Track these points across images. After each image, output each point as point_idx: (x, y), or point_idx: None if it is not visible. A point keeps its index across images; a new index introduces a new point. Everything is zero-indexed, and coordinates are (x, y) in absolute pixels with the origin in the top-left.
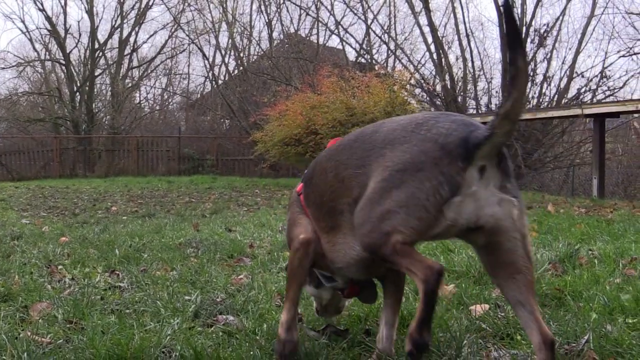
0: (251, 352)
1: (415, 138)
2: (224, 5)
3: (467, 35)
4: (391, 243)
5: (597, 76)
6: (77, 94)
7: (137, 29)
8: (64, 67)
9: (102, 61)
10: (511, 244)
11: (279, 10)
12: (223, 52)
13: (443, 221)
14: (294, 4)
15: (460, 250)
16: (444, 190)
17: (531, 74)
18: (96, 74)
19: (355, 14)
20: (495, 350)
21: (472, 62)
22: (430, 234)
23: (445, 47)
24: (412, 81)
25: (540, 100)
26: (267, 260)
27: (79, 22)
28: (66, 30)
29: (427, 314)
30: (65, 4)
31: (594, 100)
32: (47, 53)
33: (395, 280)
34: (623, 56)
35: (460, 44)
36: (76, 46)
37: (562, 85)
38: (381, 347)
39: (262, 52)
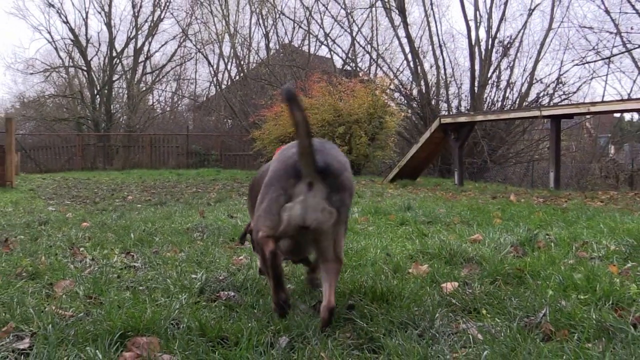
0: (249, 324)
1: (276, 161)
2: (227, 19)
3: (440, 46)
4: (259, 236)
5: (554, 82)
6: (97, 96)
7: (150, 39)
8: (85, 73)
9: (119, 68)
10: (327, 243)
11: (275, 23)
12: (226, 60)
13: (283, 221)
14: (288, 18)
15: (433, 235)
16: (282, 198)
17: (496, 80)
18: (114, 79)
19: (342, 27)
20: (463, 322)
21: (445, 69)
22: (280, 230)
23: (421, 56)
24: (392, 86)
25: (504, 103)
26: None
27: (98, 33)
28: (87, 40)
29: (273, 280)
30: (87, 17)
31: (551, 103)
32: (70, 60)
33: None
34: (577, 64)
35: (434, 54)
36: (96, 54)
37: (523, 90)
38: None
39: (260, 60)
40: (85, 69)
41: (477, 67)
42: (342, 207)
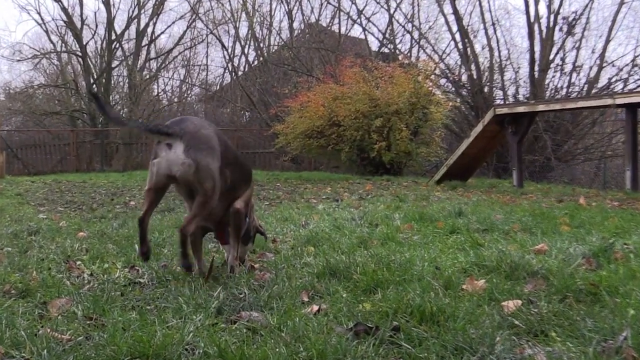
0: (277, 349)
1: None
2: None
3: (493, 24)
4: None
5: (628, 65)
6: (94, 86)
7: (154, 19)
8: (80, 59)
9: (119, 53)
10: (195, 189)
11: None
12: (242, 42)
13: (153, 173)
14: None
15: (489, 245)
16: (152, 156)
17: (560, 63)
18: (113, 65)
19: (378, 3)
20: (529, 347)
21: (499, 51)
22: (156, 183)
23: (471, 36)
24: (437, 71)
25: (570, 90)
26: (291, 255)
27: (95, 12)
28: (82, 22)
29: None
30: None
31: (626, 89)
32: (63, 45)
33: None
34: None
35: (486, 33)
36: (93, 37)
37: (592, 75)
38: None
39: (282, 43)
40: (80, 54)
41: (537, 48)
42: (198, 158)
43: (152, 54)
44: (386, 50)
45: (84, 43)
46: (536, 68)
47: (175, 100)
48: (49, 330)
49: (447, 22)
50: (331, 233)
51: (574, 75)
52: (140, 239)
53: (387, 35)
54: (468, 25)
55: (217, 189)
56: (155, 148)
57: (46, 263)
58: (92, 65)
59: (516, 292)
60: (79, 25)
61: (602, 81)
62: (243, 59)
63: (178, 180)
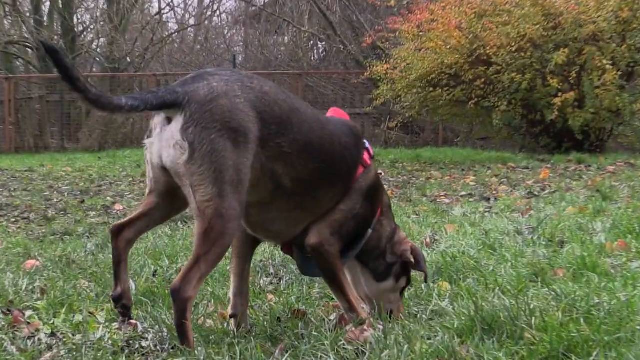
0: None
1: None
2: None
3: None
4: None
5: None
6: (47, 1)
7: None
8: None
9: None
10: (186, 190)
11: None
12: None
13: (148, 165)
14: None
15: None
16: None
17: None
18: None
19: None
20: None
21: None
22: (154, 180)
23: None
24: None
25: None
26: (409, 297)
27: None
28: None
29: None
30: None
31: None
32: None
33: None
34: None
35: None
36: None
37: None
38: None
39: None
40: None
41: None
42: (200, 143)
43: None
44: None
45: None
46: None
47: (191, 21)
48: None
49: None
50: (480, 257)
51: None
52: (114, 270)
53: None
54: None
55: (229, 204)
56: (151, 123)
57: None
58: None
59: None
60: None
61: None
62: None
63: (171, 175)
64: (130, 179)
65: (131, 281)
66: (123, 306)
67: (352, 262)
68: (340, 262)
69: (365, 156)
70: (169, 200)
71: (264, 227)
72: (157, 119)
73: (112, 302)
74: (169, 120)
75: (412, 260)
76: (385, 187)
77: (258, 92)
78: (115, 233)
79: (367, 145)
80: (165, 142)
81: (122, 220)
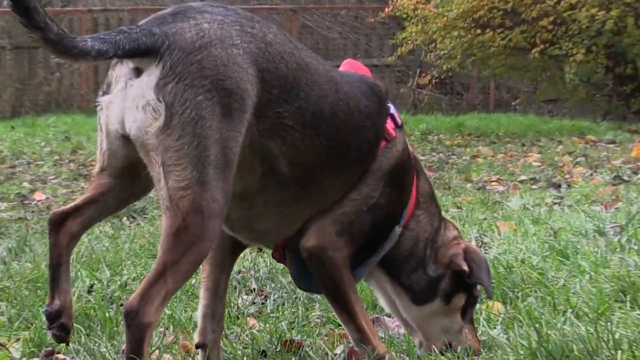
0: None
1: None
2: None
3: None
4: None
5: None
6: None
7: None
8: None
9: None
10: (154, 170)
11: None
12: None
13: (102, 131)
14: None
15: None
16: (100, 91)
17: None
18: None
19: None
20: None
21: None
22: (109, 151)
23: None
24: None
25: None
26: None
27: None
28: None
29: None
30: None
31: None
32: None
33: None
34: None
35: None
36: None
37: None
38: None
39: None
40: None
41: None
42: (181, 105)
43: None
44: None
45: None
46: None
47: None
48: None
49: None
50: (546, 267)
51: None
52: (50, 275)
53: None
54: None
55: (211, 194)
56: (109, 75)
57: None
58: None
59: None
60: None
61: None
62: None
63: (135, 148)
64: (56, 157)
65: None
66: (61, 326)
67: (380, 275)
68: (348, 275)
69: (389, 125)
70: (128, 182)
71: (247, 225)
72: (120, 69)
73: (45, 320)
74: (138, 71)
75: (465, 268)
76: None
77: (261, 42)
78: (56, 224)
79: (392, 110)
80: (131, 101)
81: (65, 207)
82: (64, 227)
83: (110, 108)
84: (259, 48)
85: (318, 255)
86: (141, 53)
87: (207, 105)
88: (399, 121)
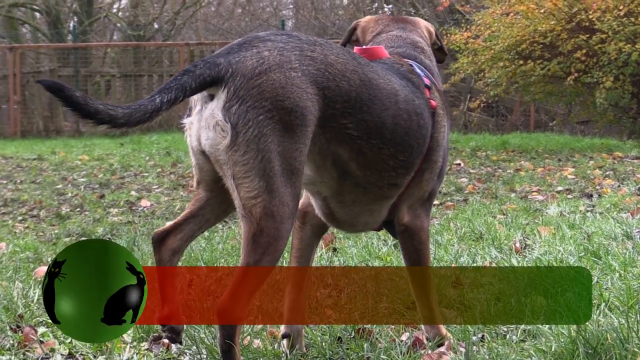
0: None
1: None
2: None
3: None
4: None
5: None
6: None
7: None
8: None
9: None
10: (228, 182)
11: None
12: None
13: (190, 149)
14: None
15: None
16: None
17: None
18: None
19: None
20: None
21: None
22: (198, 167)
23: None
24: None
25: None
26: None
27: None
28: None
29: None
30: None
31: None
32: None
33: None
34: None
35: None
36: None
37: None
38: None
39: None
40: None
41: None
42: (244, 125)
43: None
44: None
45: None
46: None
47: None
48: None
49: None
50: (582, 267)
51: None
52: (160, 288)
53: None
54: None
55: (280, 200)
56: (190, 100)
57: None
58: None
59: None
60: None
61: None
62: None
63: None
64: (159, 170)
65: None
66: (172, 329)
67: None
68: (429, 251)
69: (427, 95)
70: (222, 195)
71: (349, 222)
72: (198, 95)
73: (158, 322)
74: (211, 96)
75: None
76: (466, 180)
77: (321, 64)
78: (158, 242)
79: (422, 76)
80: (204, 122)
81: (166, 226)
82: (165, 244)
83: (191, 128)
84: (318, 69)
85: (411, 230)
86: (207, 85)
87: (268, 123)
88: (427, 81)
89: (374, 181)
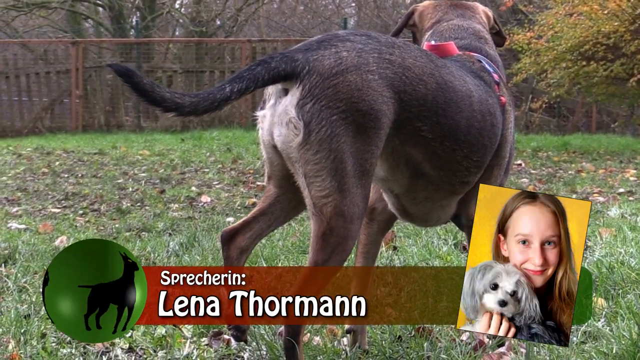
0: None
1: None
2: None
3: None
4: None
5: None
6: None
7: None
8: None
9: None
10: (299, 180)
11: None
12: None
13: (261, 143)
14: None
15: None
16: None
17: None
18: None
19: None
20: None
21: None
22: (269, 161)
23: None
24: None
25: None
26: None
27: None
28: None
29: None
30: None
31: None
32: None
33: None
34: None
35: None
36: None
37: None
38: None
39: None
40: None
41: None
42: (318, 124)
43: None
44: None
45: None
46: None
47: None
48: None
49: None
50: None
51: None
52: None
53: None
54: None
55: (351, 200)
56: (265, 92)
57: (35, 322)
58: None
59: None
60: None
61: None
62: None
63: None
64: (220, 166)
65: None
66: (237, 328)
67: None
68: None
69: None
70: (292, 192)
71: (422, 217)
72: (272, 88)
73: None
74: (285, 91)
75: None
76: (527, 180)
77: (398, 67)
78: (227, 241)
79: (491, 72)
80: (278, 117)
81: (235, 224)
82: (234, 243)
83: (264, 121)
84: (396, 73)
85: None
86: (281, 79)
87: (341, 124)
88: (496, 77)
89: (447, 179)
